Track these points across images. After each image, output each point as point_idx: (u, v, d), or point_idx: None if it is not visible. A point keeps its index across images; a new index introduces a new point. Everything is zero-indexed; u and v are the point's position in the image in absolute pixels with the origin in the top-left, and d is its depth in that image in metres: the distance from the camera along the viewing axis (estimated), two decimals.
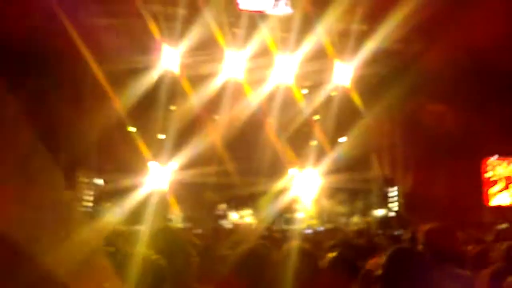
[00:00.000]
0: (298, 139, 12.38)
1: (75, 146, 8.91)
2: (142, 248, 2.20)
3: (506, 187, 12.39)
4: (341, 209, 12.67)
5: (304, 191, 12.47)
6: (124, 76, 10.31)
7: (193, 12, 10.17)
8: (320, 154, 12.16)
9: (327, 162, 11.95)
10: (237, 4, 10.61)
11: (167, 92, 11.03)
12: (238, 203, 12.67)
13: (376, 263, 2.62)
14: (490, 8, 8.46)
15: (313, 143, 12.63)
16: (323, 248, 3.86)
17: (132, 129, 11.20)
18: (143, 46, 10.67)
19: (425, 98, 11.11)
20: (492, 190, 12.35)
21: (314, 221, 12.06)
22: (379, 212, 12.64)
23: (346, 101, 11.56)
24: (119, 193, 10.06)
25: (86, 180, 11.26)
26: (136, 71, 10.50)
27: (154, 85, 10.74)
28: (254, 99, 11.34)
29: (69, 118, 8.95)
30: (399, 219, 11.80)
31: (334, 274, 2.57)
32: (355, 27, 10.78)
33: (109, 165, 11.32)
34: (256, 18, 10.64)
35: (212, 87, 11.08)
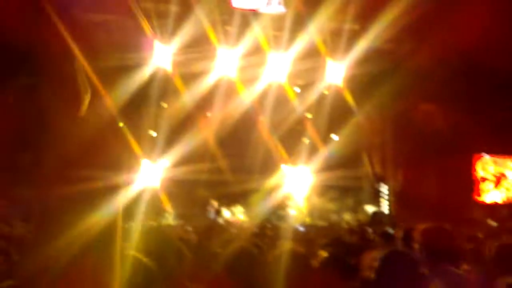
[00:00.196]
0: (290, 137, 12.41)
1: (65, 143, 8.83)
2: (132, 249, 2.20)
3: (496, 186, 12.53)
4: (333, 206, 12.74)
5: (296, 189, 12.51)
6: (116, 73, 10.25)
7: (186, 9, 10.13)
8: (312, 151, 12.21)
9: (319, 159, 12.01)
10: (230, 2, 10.59)
11: (159, 89, 10.99)
12: (230, 200, 12.67)
13: (369, 257, 2.62)
14: (480, 8, 8.53)
15: (305, 140, 12.66)
16: (315, 246, 3.89)
17: (124, 126, 11.14)
18: (135, 43, 10.62)
19: (415, 97, 11.20)
20: (483, 188, 12.48)
21: (306, 218, 12.11)
22: (370, 210, 12.72)
23: (338, 99, 11.61)
24: (110, 190, 10.00)
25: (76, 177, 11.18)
26: (128, 68, 10.45)
27: (146, 83, 10.70)
28: (247, 97, 11.35)
29: (59, 116, 8.87)
30: (390, 217, 11.90)
31: (326, 273, 2.58)
32: (347, 26, 10.81)
33: (100, 162, 11.25)
34: (249, 16, 10.63)
35: (204, 84, 11.06)
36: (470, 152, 12.26)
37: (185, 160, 11.08)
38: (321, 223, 11.75)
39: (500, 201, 12.47)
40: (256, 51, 10.74)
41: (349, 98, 11.39)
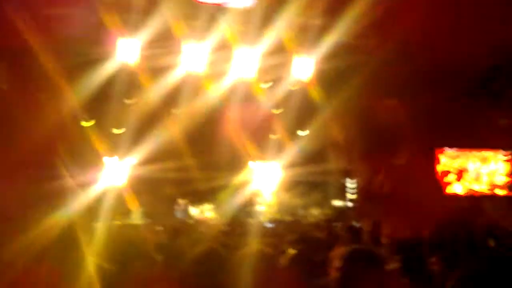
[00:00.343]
0: (259, 133, 12.39)
1: (23, 141, 8.55)
2: (94, 252, 2.11)
3: (459, 179, 12.91)
4: (300, 201, 12.83)
5: (265, 184, 12.53)
6: (78, 69, 9.97)
7: (150, 2, 9.94)
8: (281, 147, 12.24)
9: (287, 155, 12.05)
10: None
11: (123, 85, 10.74)
12: (198, 198, 12.57)
13: (335, 255, 2.61)
14: (443, 4, 8.73)
15: (274, 136, 12.68)
16: (283, 243, 3.87)
17: (87, 123, 10.87)
18: (97, 37, 10.34)
19: (381, 92, 11.39)
20: (446, 180, 12.85)
21: (275, 214, 12.15)
22: (337, 204, 12.88)
23: (306, 95, 11.66)
24: (72, 190, 9.74)
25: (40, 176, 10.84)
26: (91, 64, 10.17)
27: (110, 78, 10.44)
28: (214, 92, 11.24)
29: (17, 112, 8.56)
30: (357, 211, 12.09)
31: (293, 272, 2.56)
32: (315, 21, 10.86)
33: (64, 160, 10.94)
34: (216, 10, 10.52)
35: (170, 80, 10.89)
36: (433, 146, 12.59)
37: (151, 158, 10.90)
38: (289, 218, 11.82)
39: (462, 193, 12.87)
40: (223, 46, 10.65)
41: (316, 94, 11.46)
